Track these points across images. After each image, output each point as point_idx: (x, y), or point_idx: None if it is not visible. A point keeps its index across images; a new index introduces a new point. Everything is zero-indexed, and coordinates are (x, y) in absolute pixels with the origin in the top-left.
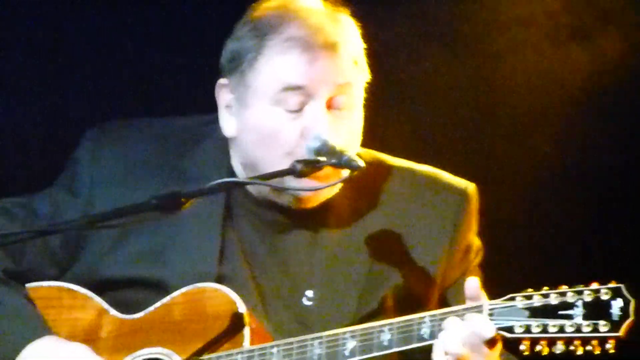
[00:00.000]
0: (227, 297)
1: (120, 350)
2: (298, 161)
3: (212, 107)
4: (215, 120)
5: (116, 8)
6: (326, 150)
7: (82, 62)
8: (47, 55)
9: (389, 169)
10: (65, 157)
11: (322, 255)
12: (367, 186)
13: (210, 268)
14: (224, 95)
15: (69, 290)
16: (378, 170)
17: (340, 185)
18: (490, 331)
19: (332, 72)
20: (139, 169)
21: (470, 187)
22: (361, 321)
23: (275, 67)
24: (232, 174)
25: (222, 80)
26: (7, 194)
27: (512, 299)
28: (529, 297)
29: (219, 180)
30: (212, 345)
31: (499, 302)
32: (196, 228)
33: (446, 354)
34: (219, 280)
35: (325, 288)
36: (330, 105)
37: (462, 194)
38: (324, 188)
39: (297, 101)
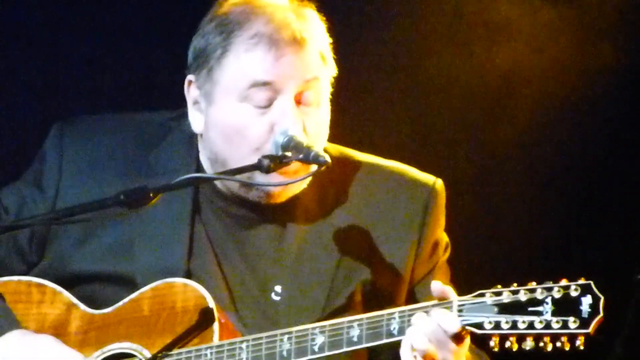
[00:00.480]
0: (196, 291)
1: (90, 345)
2: (265, 157)
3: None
4: (183, 115)
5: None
6: (293, 145)
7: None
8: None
9: (356, 164)
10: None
11: (291, 250)
12: (334, 181)
13: (179, 264)
14: (192, 91)
15: (38, 285)
16: (345, 166)
17: (308, 180)
18: (455, 326)
19: (299, 68)
20: (106, 162)
21: (438, 182)
22: (330, 316)
23: (242, 63)
24: (200, 169)
25: (189, 77)
26: None
27: (482, 295)
28: (499, 294)
29: (187, 176)
30: (182, 340)
31: (469, 298)
32: (164, 223)
33: (413, 350)
34: (188, 275)
35: (293, 283)
36: (298, 101)
37: (430, 189)
38: (291, 183)
39: (264, 97)
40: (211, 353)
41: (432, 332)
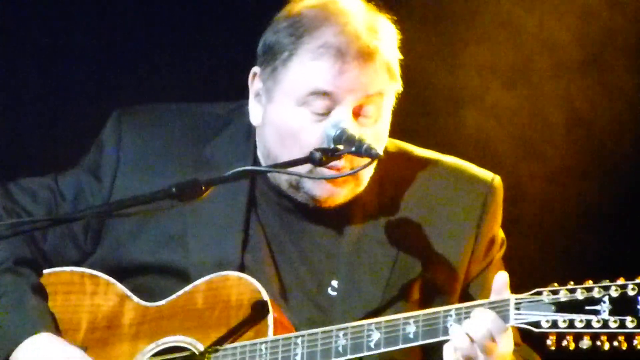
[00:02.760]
0: (251, 285)
1: (143, 338)
2: (317, 149)
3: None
4: (242, 108)
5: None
6: (345, 138)
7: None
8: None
9: (414, 159)
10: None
11: (348, 245)
12: (392, 177)
13: (233, 257)
14: (255, 83)
15: (92, 276)
16: (403, 161)
17: (360, 185)
18: (502, 328)
19: (362, 82)
20: (163, 153)
21: (496, 178)
22: (386, 312)
23: (306, 70)
24: (257, 162)
25: (255, 69)
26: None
27: (539, 293)
28: (556, 292)
29: (240, 169)
30: (235, 333)
31: (526, 296)
32: (219, 216)
33: (471, 340)
34: (242, 269)
35: (350, 278)
36: (357, 113)
37: (488, 185)
38: (344, 176)
39: (323, 105)
40: (266, 348)
41: (476, 332)
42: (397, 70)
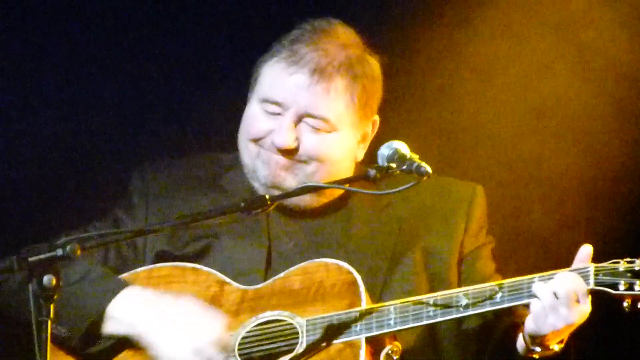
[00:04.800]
0: (342, 268)
1: (244, 314)
2: (372, 167)
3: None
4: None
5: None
6: (397, 157)
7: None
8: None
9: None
10: None
11: (353, 234)
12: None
13: (260, 265)
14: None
15: (192, 268)
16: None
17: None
18: (583, 288)
19: (305, 96)
20: (184, 186)
21: (478, 186)
22: (392, 282)
23: (267, 73)
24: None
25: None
26: None
27: (616, 262)
28: (631, 262)
29: (304, 185)
30: (331, 307)
31: (605, 265)
32: (245, 231)
33: (556, 297)
34: (269, 264)
35: (356, 261)
36: (301, 120)
37: (473, 189)
38: (399, 191)
39: (274, 109)
40: (361, 314)
41: (561, 288)
42: (366, 112)
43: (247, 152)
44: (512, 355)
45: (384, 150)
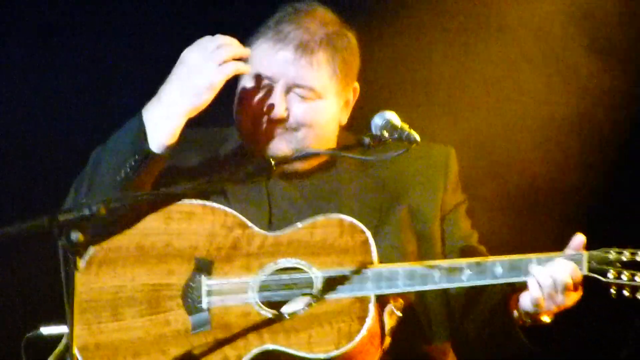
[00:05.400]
0: (356, 227)
1: (263, 258)
2: (366, 135)
3: None
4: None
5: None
6: (389, 127)
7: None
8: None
9: None
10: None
11: (343, 192)
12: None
13: (264, 214)
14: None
15: (213, 207)
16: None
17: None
18: (578, 275)
19: (290, 68)
20: (191, 154)
21: (452, 148)
22: (381, 235)
23: (256, 52)
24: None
25: None
26: None
27: (607, 252)
28: (620, 253)
29: (304, 152)
30: (343, 261)
31: (597, 252)
32: (248, 188)
33: (552, 279)
34: (270, 219)
35: (349, 213)
36: (289, 91)
37: (447, 151)
38: (387, 159)
39: (265, 83)
40: (372, 273)
41: (558, 273)
42: (341, 74)
43: (243, 125)
44: (508, 320)
45: (377, 120)
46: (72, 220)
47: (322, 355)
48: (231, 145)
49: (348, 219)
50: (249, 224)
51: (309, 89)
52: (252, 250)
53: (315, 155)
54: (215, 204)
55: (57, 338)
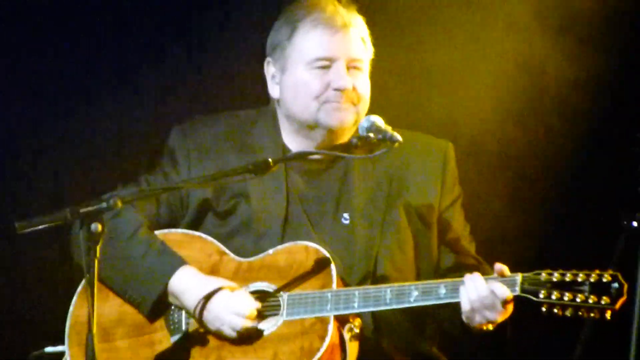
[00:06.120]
0: (320, 253)
1: (237, 282)
2: (354, 137)
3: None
4: (265, 107)
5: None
6: (374, 128)
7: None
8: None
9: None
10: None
11: (351, 188)
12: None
13: (281, 209)
14: (269, 68)
15: (199, 237)
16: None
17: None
18: (505, 294)
19: (347, 47)
20: (219, 143)
21: (450, 143)
22: (386, 232)
23: (306, 40)
24: (284, 146)
25: (268, 58)
26: None
27: (538, 274)
28: (550, 274)
29: (296, 152)
30: (307, 284)
31: (530, 275)
32: (268, 183)
33: (479, 298)
34: (286, 217)
35: (356, 210)
36: (349, 67)
37: (445, 146)
38: (371, 157)
39: (324, 64)
40: (331, 295)
41: (486, 295)
42: (369, 44)
43: (308, 110)
44: (460, 327)
45: (364, 123)
46: (91, 211)
47: None
48: (263, 128)
49: (313, 245)
50: (227, 250)
51: (361, 61)
52: (227, 275)
53: (310, 154)
54: (203, 234)
55: (60, 356)
